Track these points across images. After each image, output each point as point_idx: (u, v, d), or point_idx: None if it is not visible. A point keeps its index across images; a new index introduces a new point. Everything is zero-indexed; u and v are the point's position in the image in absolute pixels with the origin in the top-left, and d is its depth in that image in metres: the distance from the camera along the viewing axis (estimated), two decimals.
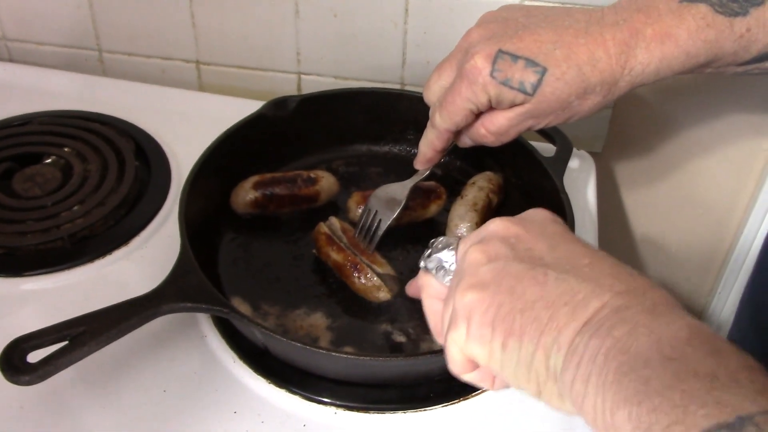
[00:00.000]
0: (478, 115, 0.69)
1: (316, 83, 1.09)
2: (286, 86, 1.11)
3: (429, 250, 0.56)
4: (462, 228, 0.81)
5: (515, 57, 0.64)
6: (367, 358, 0.68)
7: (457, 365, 0.51)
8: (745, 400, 0.37)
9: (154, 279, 0.67)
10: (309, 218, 0.85)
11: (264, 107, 0.87)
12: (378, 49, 1.04)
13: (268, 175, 0.84)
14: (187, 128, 1.00)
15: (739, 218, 1.14)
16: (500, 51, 0.64)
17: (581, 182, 0.96)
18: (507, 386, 0.52)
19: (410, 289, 0.63)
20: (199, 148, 0.82)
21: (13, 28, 1.13)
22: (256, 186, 0.83)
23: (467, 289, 0.49)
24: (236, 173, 0.85)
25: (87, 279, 0.80)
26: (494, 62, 0.64)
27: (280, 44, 1.06)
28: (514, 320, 0.46)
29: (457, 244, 0.55)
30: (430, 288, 0.57)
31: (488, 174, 0.86)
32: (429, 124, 0.73)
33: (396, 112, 0.93)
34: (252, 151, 0.87)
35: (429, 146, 0.75)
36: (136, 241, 0.84)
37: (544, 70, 0.64)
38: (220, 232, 0.83)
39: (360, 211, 0.81)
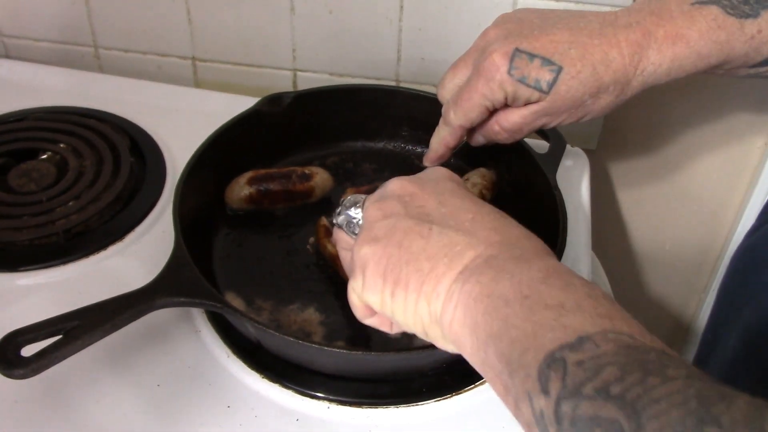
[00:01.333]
0: (492, 113, 0.71)
1: (311, 80, 1.10)
2: (282, 83, 1.11)
3: (339, 208, 0.64)
4: None
5: (531, 56, 0.66)
6: (360, 352, 0.69)
7: (357, 311, 0.58)
8: (586, 322, 0.43)
9: (148, 274, 0.67)
10: (303, 214, 0.85)
11: (259, 103, 0.87)
12: (373, 45, 1.05)
13: (263, 171, 0.84)
14: (183, 124, 1.00)
15: (733, 215, 1.14)
16: (517, 50, 0.66)
17: (575, 179, 0.96)
18: (401, 330, 0.57)
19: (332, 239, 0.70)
20: (194, 144, 0.82)
21: (9, 24, 1.14)
22: (251, 182, 0.83)
23: (363, 243, 0.55)
24: (230, 169, 0.85)
25: (82, 274, 0.80)
26: (511, 60, 0.66)
27: (275, 41, 1.07)
28: (401, 271, 0.52)
29: (363, 202, 0.61)
30: (341, 241, 0.65)
31: (482, 170, 0.87)
32: (442, 121, 0.75)
33: (391, 109, 0.93)
34: (246, 147, 0.87)
35: (441, 143, 0.76)
36: (130, 237, 0.84)
37: (560, 69, 0.65)
38: (214, 228, 0.84)
39: None
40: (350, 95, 0.91)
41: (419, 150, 0.95)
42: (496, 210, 0.57)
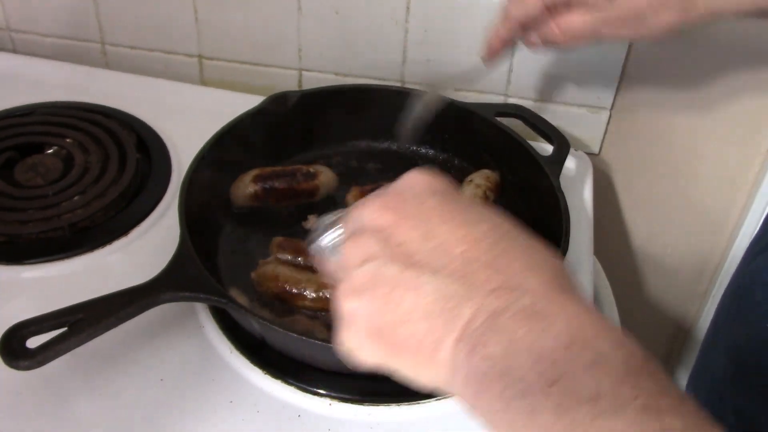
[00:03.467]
0: (549, 11, 0.71)
1: (317, 79, 1.10)
2: (288, 82, 1.12)
3: (316, 232, 0.53)
4: None
5: None
6: None
7: (353, 362, 0.49)
8: (628, 426, 0.35)
9: (152, 269, 0.68)
10: (307, 212, 0.86)
11: (264, 102, 0.88)
12: (379, 46, 1.05)
13: (268, 169, 0.85)
14: (188, 121, 1.01)
15: (735, 220, 1.14)
16: None
17: (578, 182, 0.97)
18: None
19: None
20: (199, 142, 0.83)
21: (17, 19, 1.14)
22: (256, 179, 0.84)
23: (346, 296, 0.47)
24: (236, 167, 0.86)
25: (86, 268, 0.81)
26: None
27: (282, 40, 1.07)
28: (394, 333, 0.44)
29: (336, 221, 0.52)
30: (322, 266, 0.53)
31: (485, 172, 0.87)
32: (500, 16, 0.75)
33: (396, 109, 0.93)
34: (251, 145, 0.87)
35: (496, 36, 0.76)
36: (135, 232, 0.85)
37: None
38: (219, 225, 0.84)
39: None
40: (356, 95, 0.92)
41: (423, 151, 0.95)
42: (492, 222, 0.46)
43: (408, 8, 1.01)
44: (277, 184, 0.84)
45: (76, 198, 0.86)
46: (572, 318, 0.40)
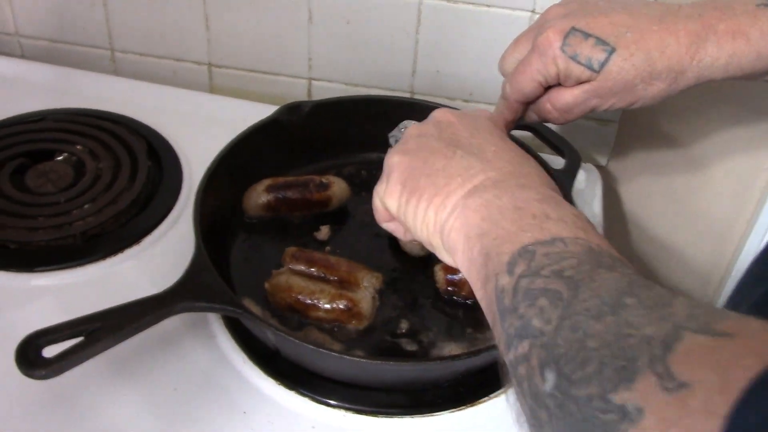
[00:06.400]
0: (546, 90, 0.72)
1: (326, 89, 1.10)
2: (297, 91, 1.12)
3: (395, 129, 0.76)
4: None
5: (587, 35, 0.67)
6: (378, 362, 0.69)
7: (378, 214, 0.65)
8: (563, 230, 0.49)
9: (165, 278, 0.68)
10: (319, 222, 0.86)
11: (278, 112, 0.88)
12: (389, 57, 1.05)
13: (281, 179, 0.85)
14: (198, 129, 1.01)
15: (741, 233, 1.15)
16: (573, 28, 0.68)
17: (587, 195, 0.97)
18: (412, 237, 0.62)
19: None
20: (209, 150, 0.83)
21: (27, 25, 1.14)
22: (269, 189, 0.84)
23: (394, 153, 0.63)
24: (248, 176, 0.86)
25: (98, 276, 0.81)
26: (566, 37, 0.68)
27: (292, 49, 1.07)
28: (419, 182, 0.58)
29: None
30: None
31: None
32: (500, 95, 0.76)
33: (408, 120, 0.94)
34: (264, 155, 0.87)
35: (501, 120, 0.77)
36: (147, 241, 0.85)
37: (613, 50, 0.67)
38: (231, 234, 0.84)
39: None
40: (368, 106, 0.92)
41: None
42: (524, 153, 0.61)
43: (419, 19, 1.01)
44: (289, 194, 0.84)
45: (86, 206, 0.86)
46: (549, 193, 0.55)
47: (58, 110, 1.01)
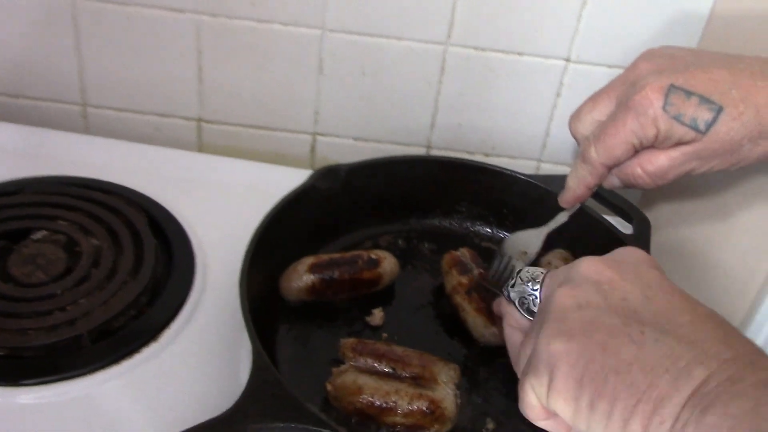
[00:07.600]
0: (635, 153, 0.65)
1: (332, 145, 1.00)
2: (297, 148, 1.01)
3: (513, 280, 0.57)
4: None
5: (689, 93, 0.61)
6: None
7: (532, 411, 0.50)
8: None
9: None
10: (365, 304, 0.75)
11: (313, 178, 0.77)
12: (407, 109, 0.96)
13: (325, 257, 0.74)
14: (195, 194, 0.88)
15: (759, 285, 1.11)
16: (672, 85, 0.61)
17: None
18: None
19: (495, 307, 0.66)
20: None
21: None
22: (313, 269, 0.72)
23: (553, 336, 0.47)
24: (284, 254, 0.74)
25: (113, 385, 0.66)
26: (667, 95, 0.61)
27: (297, 102, 0.97)
28: (606, 380, 0.44)
29: (543, 279, 0.54)
30: (510, 318, 0.58)
31: (560, 252, 0.79)
32: (580, 159, 0.68)
33: (445, 182, 0.84)
34: (296, 229, 0.76)
35: (580, 183, 0.69)
36: (166, 335, 0.71)
37: (720, 109, 0.61)
38: (272, 324, 0.72)
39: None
40: (410, 166, 0.83)
41: (477, 227, 0.86)
42: (713, 311, 0.48)
43: (443, 68, 0.93)
44: (337, 274, 0.72)
45: (81, 300, 0.71)
46: None
47: (31, 179, 0.86)
